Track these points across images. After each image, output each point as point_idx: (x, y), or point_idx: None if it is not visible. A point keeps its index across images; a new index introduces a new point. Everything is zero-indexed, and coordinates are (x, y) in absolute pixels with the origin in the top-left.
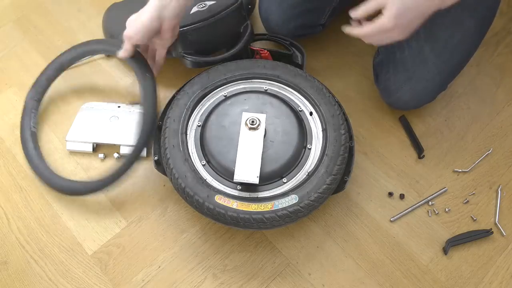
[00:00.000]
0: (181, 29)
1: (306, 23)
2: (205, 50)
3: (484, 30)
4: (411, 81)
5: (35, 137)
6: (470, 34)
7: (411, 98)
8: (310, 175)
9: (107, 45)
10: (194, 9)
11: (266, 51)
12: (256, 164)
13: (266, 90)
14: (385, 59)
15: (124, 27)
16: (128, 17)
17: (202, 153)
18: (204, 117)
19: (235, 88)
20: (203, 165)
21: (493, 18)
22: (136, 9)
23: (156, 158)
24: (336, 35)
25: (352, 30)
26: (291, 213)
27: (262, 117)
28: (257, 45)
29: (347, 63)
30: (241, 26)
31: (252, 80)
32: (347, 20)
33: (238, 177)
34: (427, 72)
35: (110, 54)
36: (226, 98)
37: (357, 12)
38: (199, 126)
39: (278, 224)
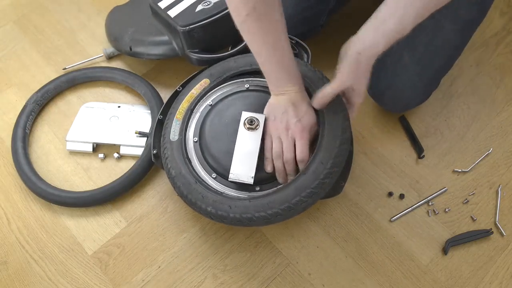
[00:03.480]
0: (186, 27)
1: (304, 31)
2: (210, 47)
3: (468, 33)
4: (392, 87)
5: (27, 138)
6: (450, 38)
7: (396, 104)
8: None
9: (128, 78)
10: (199, 7)
11: None
12: (252, 164)
13: (248, 88)
14: (373, 65)
15: (127, 30)
16: (131, 19)
17: (211, 169)
18: (198, 131)
19: (220, 93)
20: (214, 178)
21: (481, 19)
22: (138, 11)
23: (155, 151)
24: (336, 35)
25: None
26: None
27: (261, 117)
28: None
29: None
30: None
31: (230, 82)
32: (346, 19)
33: (233, 176)
34: (407, 78)
35: (131, 87)
36: (213, 106)
37: (322, 103)
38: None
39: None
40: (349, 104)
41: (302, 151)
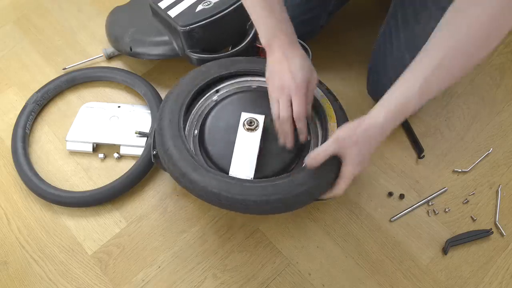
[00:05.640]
0: (186, 28)
1: (305, 33)
2: (211, 47)
3: None
4: None
5: (27, 138)
6: None
7: None
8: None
9: (128, 78)
10: (200, 7)
11: None
12: (251, 166)
13: (256, 87)
14: (373, 65)
15: (127, 30)
16: (131, 19)
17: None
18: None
19: (225, 91)
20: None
21: None
22: (139, 12)
23: (155, 152)
24: (336, 35)
25: (329, 195)
26: None
27: (261, 118)
28: None
29: (347, 62)
30: (246, 23)
31: (238, 80)
32: (345, 19)
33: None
34: None
35: (131, 87)
36: (216, 104)
37: (315, 160)
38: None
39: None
40: (339, 175)
41: (297, 107)
